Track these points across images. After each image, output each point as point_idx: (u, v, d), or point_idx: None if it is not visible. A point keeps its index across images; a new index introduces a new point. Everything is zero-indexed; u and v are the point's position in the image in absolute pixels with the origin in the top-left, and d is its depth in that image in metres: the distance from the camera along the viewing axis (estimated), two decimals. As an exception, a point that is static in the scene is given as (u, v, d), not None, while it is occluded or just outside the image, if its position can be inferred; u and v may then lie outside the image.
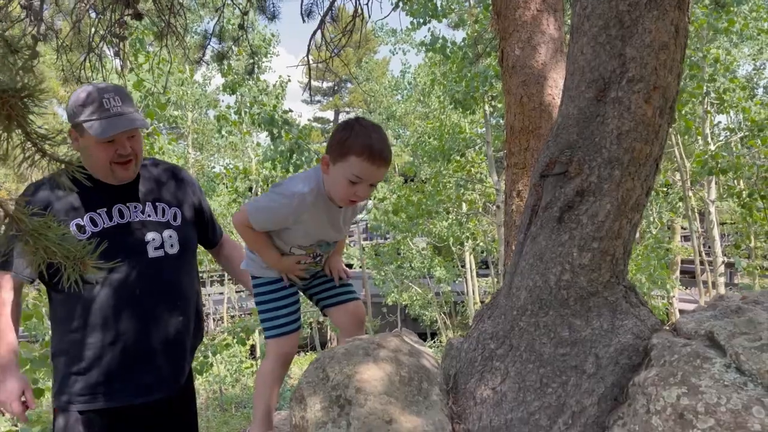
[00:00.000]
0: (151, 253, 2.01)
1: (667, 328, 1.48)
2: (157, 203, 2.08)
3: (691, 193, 11.96)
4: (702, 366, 1.13)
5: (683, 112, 8.68)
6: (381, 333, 1.76)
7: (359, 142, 1.56)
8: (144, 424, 2.03)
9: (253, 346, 14.21)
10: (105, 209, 1.97)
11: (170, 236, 2.07)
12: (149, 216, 2.05)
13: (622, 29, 1.45)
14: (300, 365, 14.46)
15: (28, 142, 0.99)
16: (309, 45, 3.78)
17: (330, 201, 1.68)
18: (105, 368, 1.94)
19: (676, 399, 1.09)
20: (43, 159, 1.00)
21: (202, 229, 2.28)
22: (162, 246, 2.04)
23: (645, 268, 9.25)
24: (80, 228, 1.92)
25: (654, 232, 11.37)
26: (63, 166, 1.02)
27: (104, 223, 1.96)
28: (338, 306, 1.90)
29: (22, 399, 1.85)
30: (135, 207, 2.03)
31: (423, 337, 18.23)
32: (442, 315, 17.39)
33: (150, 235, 2.02)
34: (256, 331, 7.16)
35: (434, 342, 17.26)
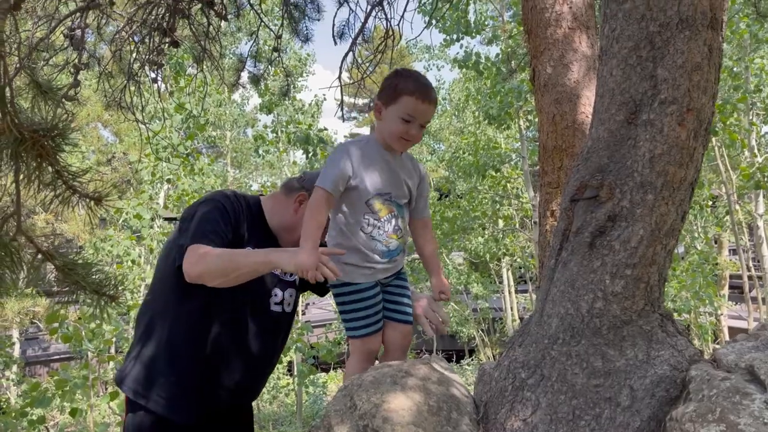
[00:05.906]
0: (272, 306, 2.08)
1: (707, 358, 1.42)
2: None
3: (738, 207, 11.56)
4: (741, 402, 1.07)
5: (728, 123, 8.42)
6: (410, 360, 1.74)
7: (410, 83, 1.72)
8: None
9: (290, 363, 14.27)
10: (254, 245, 1.99)
11: (290, 295, 2.14)
12: (279, 271, 2.08)
13: (653, 50, 1.42)
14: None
15: (59, 180, 1.02)
16: (341, 68, 3.82)
17: (384, 150, 1.78)
18: (191, 388, 1.96)
19: (714, 438, 1.03)
20: (74, 196, 1.03)
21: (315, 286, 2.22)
22: (281, 303, 2.10)
23: (690, 285, 8.93)
24: None
25: (699, 248, 11.00)
26: (92, 203, 1.04)
27: None
28: (398, 323, 1.90)
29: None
30: None
31: (461, 354, 18.01)
32: (480, 332, 17.14)
33: (275, 290, 2.09)
34: (292, 349, 7.18)
35: (472, 360, 16.99)
